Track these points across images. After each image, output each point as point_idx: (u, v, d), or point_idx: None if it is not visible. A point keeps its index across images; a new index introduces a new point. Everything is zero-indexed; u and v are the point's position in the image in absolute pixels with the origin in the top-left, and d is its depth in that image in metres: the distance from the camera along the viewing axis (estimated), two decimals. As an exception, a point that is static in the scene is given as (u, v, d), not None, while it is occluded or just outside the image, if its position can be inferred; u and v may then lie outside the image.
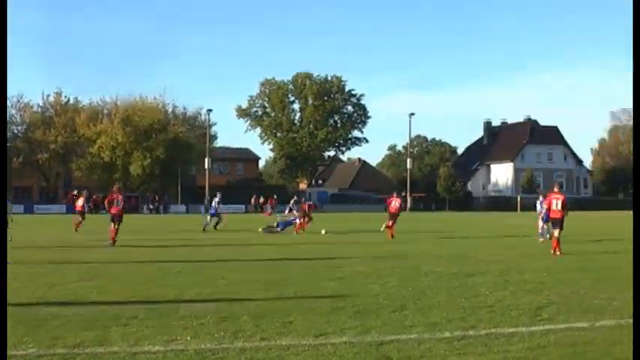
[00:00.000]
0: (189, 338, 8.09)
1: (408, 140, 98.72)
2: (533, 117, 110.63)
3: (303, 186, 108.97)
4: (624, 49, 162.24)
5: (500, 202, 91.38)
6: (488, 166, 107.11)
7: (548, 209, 20.20)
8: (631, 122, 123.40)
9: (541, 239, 24.53)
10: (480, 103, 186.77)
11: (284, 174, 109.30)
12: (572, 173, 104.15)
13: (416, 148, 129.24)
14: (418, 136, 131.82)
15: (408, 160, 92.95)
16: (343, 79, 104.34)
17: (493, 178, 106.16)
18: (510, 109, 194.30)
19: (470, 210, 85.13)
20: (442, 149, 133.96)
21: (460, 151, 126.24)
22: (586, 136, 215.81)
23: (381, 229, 28.99)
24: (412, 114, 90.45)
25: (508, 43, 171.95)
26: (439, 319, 9.25)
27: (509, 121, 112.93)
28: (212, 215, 34.20)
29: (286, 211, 45.13)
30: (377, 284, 12.68)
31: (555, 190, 20.24)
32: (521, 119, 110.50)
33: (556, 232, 19.40)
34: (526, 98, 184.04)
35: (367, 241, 25.94)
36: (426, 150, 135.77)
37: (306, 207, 33.71)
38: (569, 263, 16.56)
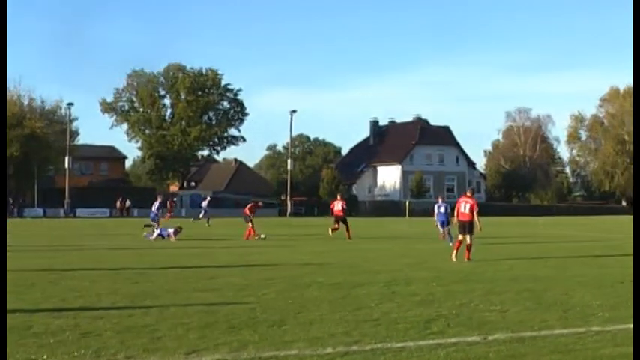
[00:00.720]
0: (45, 357, 7.83)
1: (288, 140, 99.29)
2: (423, 116, 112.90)
3: (174, 188, 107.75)
4: (519, 46, 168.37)
5: (388, 207, 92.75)
6: (375, 168, 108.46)
7: (457, 213, 20.76)
8: (527, 123, 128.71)
9: (450, 243, 24.96)
10: (367, 101, 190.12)
11: (153, 175, 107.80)
12: (464, 176, 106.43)
13: (297, 149, 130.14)
14: (300, 136, 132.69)
15: (289, 161, 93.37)
16: (219, 72, 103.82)
17: (380, 181, 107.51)
18: (399, 107, 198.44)
19: (355, 215, 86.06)
20: (326, 150, 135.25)
21: (345, 151, 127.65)
22: (479, 138, 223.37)
23: (330, 233, 32.29)
24: (294, 111, 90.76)
25: (397, 38, 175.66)
26: (321, 333, 9.29)
27: (398, 120, 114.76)
28: (153, 220, 34.23)
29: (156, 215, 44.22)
30: (254, 296, 12.64)
31: (468, 194, 21.18)
32: (410, 118, 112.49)
33: (467, 238, 20.15)
34: (416, 96, 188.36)
35: (244, 248, 25.82)
36: (309, 150, 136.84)
37: (248, 210, 32.03)
38: (460, 273, 16.97)
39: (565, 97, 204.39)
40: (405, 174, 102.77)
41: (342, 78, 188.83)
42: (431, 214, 32.22)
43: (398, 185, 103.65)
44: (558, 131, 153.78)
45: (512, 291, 13.47)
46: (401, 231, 41.99)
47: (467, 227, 20.17)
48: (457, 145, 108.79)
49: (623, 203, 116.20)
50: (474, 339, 9.02)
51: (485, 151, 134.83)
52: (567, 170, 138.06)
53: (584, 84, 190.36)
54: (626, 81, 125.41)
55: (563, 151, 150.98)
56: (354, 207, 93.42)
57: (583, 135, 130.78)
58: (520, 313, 10.98)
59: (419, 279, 15.55)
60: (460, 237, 20.46)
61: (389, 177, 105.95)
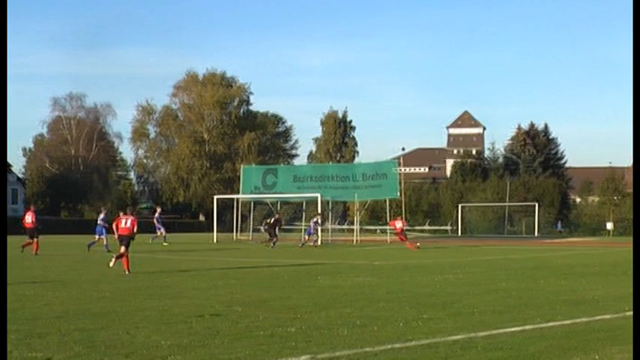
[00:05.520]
0: None
1: None
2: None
3: None
4: (60, 15, 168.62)
5: None
6: None
7: (117, 227, 28.36)
8: (81, 113, 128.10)
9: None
10: None
11: None
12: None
13: None
14: None
15: None
16: None
17: None
18: None
19: None
20: None
21: None
22: (17, 131, 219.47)
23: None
24: None
25: None
26: None
27: None
28: (100, 234, 44.61)
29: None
30: None
31: (129, 212, 29.13)
32: None
33: (122, 249, 27.78)
34: None
35: None
36: None
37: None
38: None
39: (130, 82, 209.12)
40: None
41: None
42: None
43: None
44: (121, 125, 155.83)
45: (59, 332, 13.39)
46: None
47: (125, 240, 27.97)
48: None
49: (202, 217, 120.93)
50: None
51: (24, 149, 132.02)
52: (132, 175, 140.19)
53: (154, 66, 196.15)
54: (206, 64, 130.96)
55: (128, 151, 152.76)
56: None
57: (152, 131, 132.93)
58: (69, 360, 10.98)
59: None
60: (122, 250, 27.74)
61: None
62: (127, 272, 26.86)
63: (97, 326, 14.08)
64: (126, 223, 28.24)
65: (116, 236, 28.62)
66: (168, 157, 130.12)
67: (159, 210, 60.89)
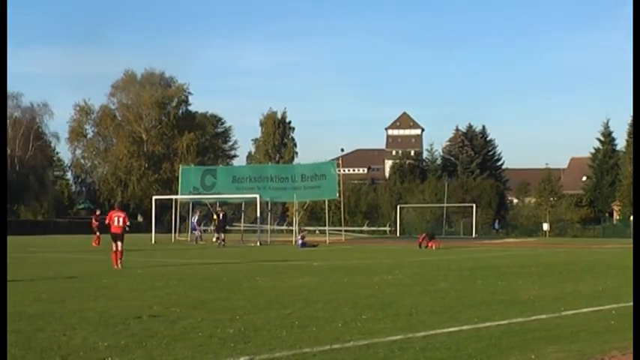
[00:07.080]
0: None
1: None
2: None
3: None
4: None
5: None
6: None
7: (111, 226, 30.61)
8: (17, 113, 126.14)
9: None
10: None
11: None
12: None
13: None
14: None
15: None
16: None
17: None
18: None
19: None
20: None
21: None
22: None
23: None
24: None
25: None
26: None
27: None
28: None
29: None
30: None
31: (117, 207, 32.36)
32: None
33: (119, 246, 30.26)
34: None
35: None
36: None
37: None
38: None
39: (67, 81, 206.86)
40: None
41: None
42: None
43: None
44: (58, 125, 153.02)
45: (-5, 334, 13.22)
46: None
47: (119, 237, 30.28)
48: None
49: (140, 218, 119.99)
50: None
51: None
52: (70, 175, 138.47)
53: (91, 65, 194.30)
54: (144, 64, 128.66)
55: (65, 151, 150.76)
56: None
57: (90, 131, 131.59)
58: (6, 364, 10.85)
59: None
60: (114, 247, 30.26)
61: None
62: (116, 267, 29.75)
63: (33, 328, 13.91)
64: (118, 221, 30.64)
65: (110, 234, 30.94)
66: (106, 157, 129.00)
67: (198, 213, 68.52)
